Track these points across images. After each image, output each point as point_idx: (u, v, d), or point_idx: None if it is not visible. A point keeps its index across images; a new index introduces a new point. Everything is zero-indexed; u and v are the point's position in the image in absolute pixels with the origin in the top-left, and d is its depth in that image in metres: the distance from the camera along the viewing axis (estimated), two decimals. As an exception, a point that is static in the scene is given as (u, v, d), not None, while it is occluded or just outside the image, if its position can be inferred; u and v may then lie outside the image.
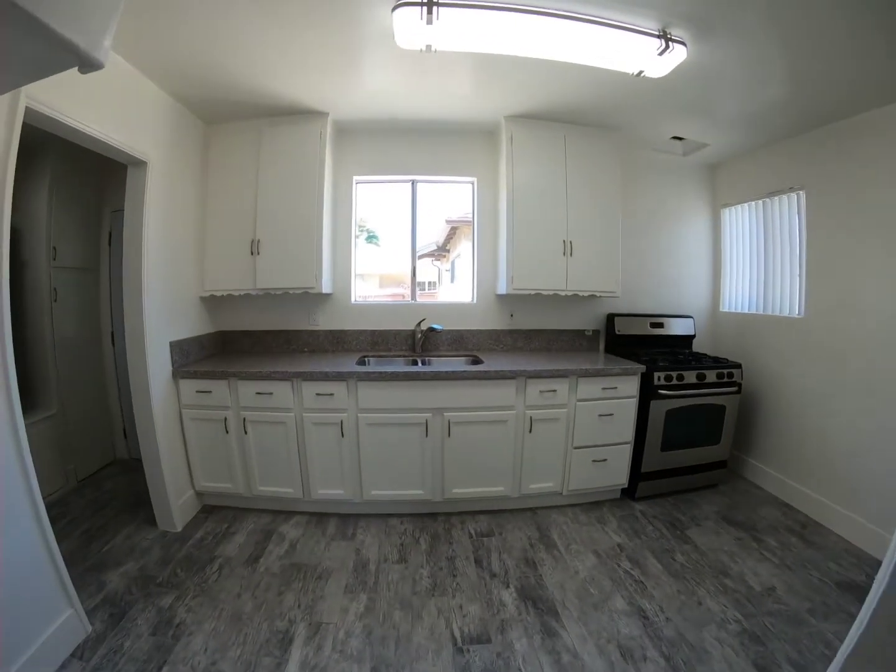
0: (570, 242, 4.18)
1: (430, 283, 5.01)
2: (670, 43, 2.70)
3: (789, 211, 4.26)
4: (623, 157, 4.48)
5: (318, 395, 3.55)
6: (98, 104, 2.78)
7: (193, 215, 3.93)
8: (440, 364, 4.26)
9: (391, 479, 3.69)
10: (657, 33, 2.69)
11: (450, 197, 4.80)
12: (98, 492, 4.21)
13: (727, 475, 4.59)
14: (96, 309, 4.76)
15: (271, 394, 3.57)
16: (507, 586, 3.02)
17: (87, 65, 1.14)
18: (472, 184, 4.67)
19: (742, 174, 4.80)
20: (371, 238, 4.87)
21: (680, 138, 4.54)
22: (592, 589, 3.01)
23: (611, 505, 4.09)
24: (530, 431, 3.73)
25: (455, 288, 4.99)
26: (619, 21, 2.62)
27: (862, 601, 2.79)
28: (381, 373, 3.54)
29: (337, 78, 3.41)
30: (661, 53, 2.76)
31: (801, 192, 4.11)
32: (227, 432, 3.63)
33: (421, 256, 4.81)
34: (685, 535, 3.63)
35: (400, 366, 4.21)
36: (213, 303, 4.26)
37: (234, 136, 4.03)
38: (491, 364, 3.88)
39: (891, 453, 3.34)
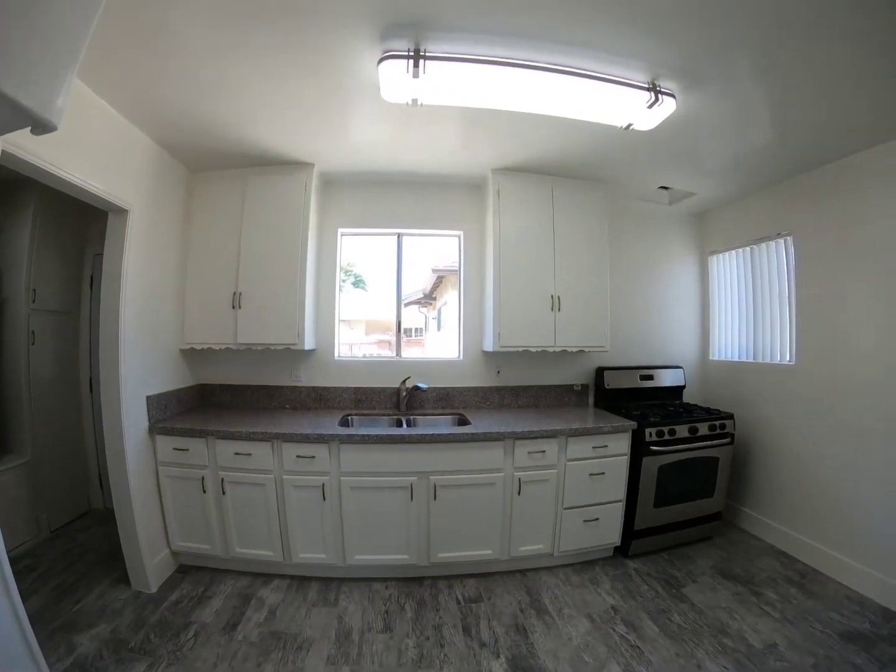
0: (558, 297, 4.12)
1: (416, 329, 4.93)
2: (660, 95, 2.68)
3: (777, 257, 4.25)
4: (610, 208, 4.47)
5: (298, 457, 3.42)
6: (80, 149, 2.71)
7: (175, 265, 3.83)
8: (426, 423, 4.14)
9: (375, 544, 3.54)
10: (647, 86, 2.67)
11: (436, 247, 4.74)
12: (71, 544, 4.04)
13: (722, 526, 4.50)
14: (75, 354, 4.62)
15: (250, 454, 3.44)
16: (498, 656, 2.87)
17: (40, 126, 1.14)
18: (459, 237, 4.62)
19: (729, 221, 4.81)
20: (358, 283, 4.80)
21: (666, 188, 4.53)
22: (587, 657, 2.88)
23: (604, 564, 3.97)
24: (519, 493, 3.61)
25: (441, 336, 4.91)
26: (608, 74, 2.60)
27: (866, 650, 2.77)
28: (364, 436, 3.42)
29: (323, 129, 3.37)
30: (650, 106, 2.74)
31: (788, 238, 4.11)
32: (205, 492, 3.48)
33: (407, 304, 4.74)
34: (681, 594, 3.52)
35: (384, 426, 4.10)
36: (192, 355, 4.12)
37: (219, 185, 3.95)
38: (478, 424, 3.78)
39: (887, 497, 3.35)
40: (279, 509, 3.48)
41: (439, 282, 5.08)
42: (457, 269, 4.68)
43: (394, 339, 4.62)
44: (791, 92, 2.78)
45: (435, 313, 5.07)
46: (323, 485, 3.43)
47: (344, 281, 4.63)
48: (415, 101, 2.71)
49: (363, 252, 4.70)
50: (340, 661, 2.80)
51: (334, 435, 3.40)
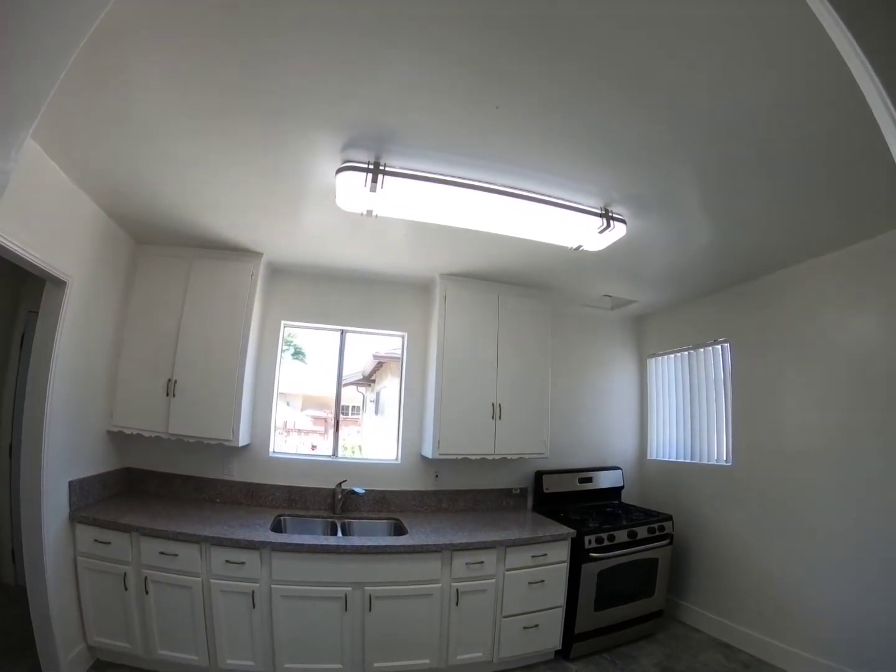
0: (499, 405, 4.14)
1: (353, 407, 4.88)
2: (611, 221, 2.78)
3: (714, 360, 4.40)
4: (554, 312, 4.56)
5: (228, 562, 3.25)
6: (23, 213, 2.54)
7: (111, 341, 3.67)
8: (361, 528, 4.02)
9: (307, 653, 3.37)
10: (600, 212, 2.77)
11: (378, 339, 4.71)
12: None
13: (664, 622, 4.48)
14: None
15: (177, 555, 3.25)
16: None
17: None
18: (403, 338, 4.62)
19: (668, 326, 5.00)
20: (297, 354, 4.67)
21: (609, 295, 4.65)
22: None
23: (545, 668, 3.88)
24: (457, 604, 3.52)
25: (379, 420, 4.87)
26: (564, 199, 2.68)
27: None
28: (297, 545, 3.29)
29: (275, 224, 3.36)
30: (601, 231, 2.83)
31: (725, 344, 4.26)
32: (126, 589, 3.25)
33: (346, 384, 4.66)
34: None
35: (318, 531, 3.96)
36: (120, 438, 3.89)
37: (164, 261, 3.84)
38: (415, 531, 3.70)
39: (826, 588, 3.45)
40: (206, 614, 3.27)
41: (379, 366, 5.08)
42: (397, 356, 4.67)
43: (330, 416, 4.55)
44: (728, 219, 3.01)
45: (373, 395, 5.00)
46: (253, 592, 3.26)
47: (284, 351, 4.52)
48: (369, 212, 2.72)
49: (305, 333, 4.65)
50: None
51: (266, 542, 3.26)
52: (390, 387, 4.78)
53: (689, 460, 4.74)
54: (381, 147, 2.37)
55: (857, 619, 3.25)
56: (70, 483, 3.27)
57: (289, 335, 4.57)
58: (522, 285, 4.27)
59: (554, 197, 2.67)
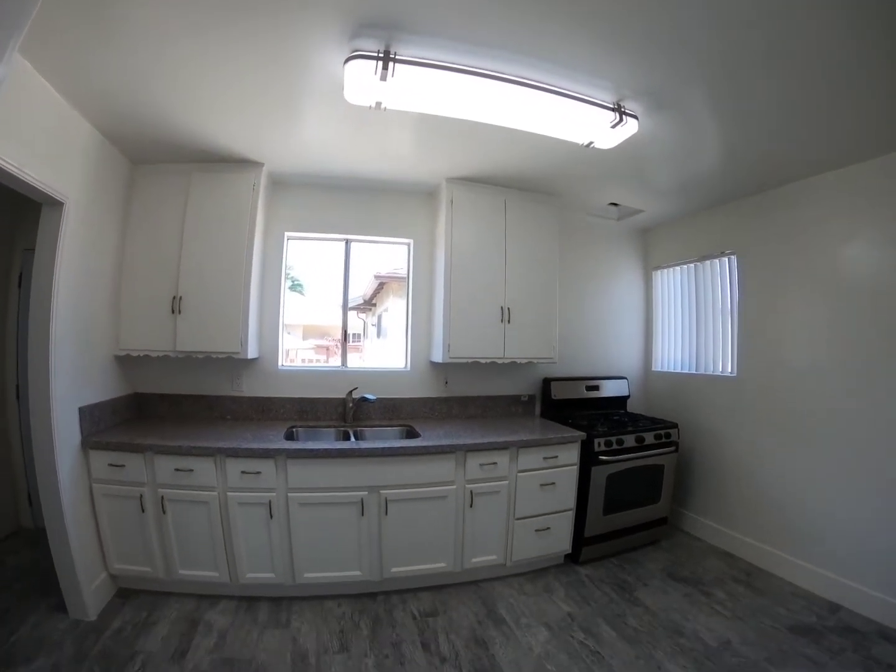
0: (508, 309, 4.13)
1: (355, 334, 4.85)
2: (624, 116, 2.71)
3: (721, 273, 4.38)
4: (561, 220, 4.50)
5: (243, 472, 3.28)
6: (17, 133, 2.48)
7: (112, 264, 3.59)
8: (373, 436, 4.04)
9: (326, 561, 3.44)
10: (612, 106, 2.70)
11: (382, 254, 4.68)
12: (1, 567, 3.72)
13: (668, 530, 4.59)
14: (0, 358, 4.29)
15: (192, 471, 3.27)
16: (460, 671, 2.82)
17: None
18: (409, 245, 4.57)
19: (674, 238, 4.96)
20: (295, 287, 4.65)
21: (616, 204, 4.61)
22: (549, 665, 2.86)
23: (556, 572, 3.98)
24: (471, 506, 3.58)
25: (382, 344, 4.87)
26: (576, 92, 2.61)
27: (816, 642, 2.87)
28: (312, 450, 3.32)
29: (276, 127, 3.24)
30: (613, 126, 2.78)
31: (732, 256, 4.25)
32: (144, 511, 3.28)
33: (351, 309, 4.64)
34: (634, 597, 3.56)
35: (331, 439, 3.98)
36: (128, 362, 3.86)
37: (162, 179, 3.72)
38: (427, 435, 3.74)
39: (825, 498, 3.55)
40: (224, 528, 3.32)
41: (380, 288, 5.03)
42: (400, 276, 4.64)
43: (332, 344, 4.57)
44: (739, 122, 2.93)
45: (375, 319, 4.99)
46: (270, 502, 3.30)
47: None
48: (379, 104, 2.63)
49: (305, 256, 4.59)
50: None
51: (281, 449, 3.29)
52: (392, 309, 4.78)
53: (694, 371, 4.78)
54: (392, 35, 2.28)
55: (858, 532, 3.34)
56: (80, 409, 3.22)
57: (287, 267, 4.50)
58: (530, 191, 4.21)
59: (567, 89, 2.61)
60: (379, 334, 4.98)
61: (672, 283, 5.04)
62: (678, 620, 3.26)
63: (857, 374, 3.38)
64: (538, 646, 3.05)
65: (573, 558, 4.09)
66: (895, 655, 2.83)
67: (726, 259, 4.37)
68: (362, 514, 3.41)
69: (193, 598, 3.42)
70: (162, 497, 3.26)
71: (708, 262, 4.56)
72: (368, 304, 4.99)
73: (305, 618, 3.29)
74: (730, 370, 4.36)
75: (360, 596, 3.56)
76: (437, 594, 3.63)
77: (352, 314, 4.71)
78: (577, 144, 3.07)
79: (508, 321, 4.13)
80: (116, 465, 3.24)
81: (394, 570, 3.53)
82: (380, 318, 5.02)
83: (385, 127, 3.18)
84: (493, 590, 3.71)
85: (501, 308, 4.11)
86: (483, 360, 4.13)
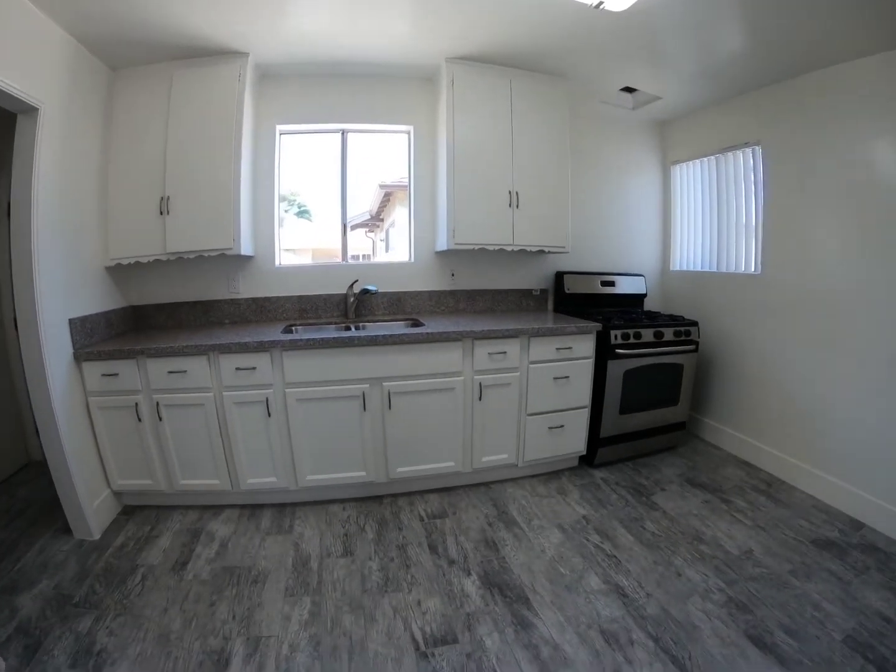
0: (517, 193, 3.84)
1: (364, 256, 4.66)
2: None
3: (745, 166, 4.09)
4: (571, 109, 4.15)
5: (238, 369, 3.11)
6: None
7: (96, 173, 3.35)
8: (376, 329, 3.79)
9: (328, 462, 3.31)
10: None
11: (383, 155, 4.35)
12: (11, 499, 3.60)
13: (685, 436, 4.47)
14: None
15: (185, 372, 3.10)
16: (469, 574, 2.70)
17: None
18: (409, 133, 4.23)
19: (694, 130, 4.62)
20: (303, 213, 4.42)
21: (630, 91, 4.26)
22: (563, 568, 2.74)
23: (570, 474, 3.86)
24: (480, 399, 3.41)
25: (390, 256, 4.63)
26: None
27: (840, 558, 2.68)
28: (308, 340, 3.12)
29: (259, 10, 2.93)
30: None
31: (756, 147, 3.95)
32: (140, 420, 3.13)
33: (354, 227, 4.41)
34: (652, 502, 3.45)
35: (331, 334, 3.75)
36: (120, 273, 3.67)
37: (143, 82, 3.45)
38: (433, 327, 3.51)
39: (850, 406, 3.33)
40: (222, 431, 3.18)
41: (387, 200, 4.78)
42: (404, 183, 4.34)
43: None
44: None
45: (383, 235, 4.77)
46: (267, 399, 3.14)
47: (287, 211, 4.28)
48: None
49: (306, 166, 4.28)
50: (300, 591, 2.57)
51: (276, 341, 3.10)
52: (399, 222, 4.52)
53: (715, 270, 4.53)
54: None
55: (889, 447, 3.12)
56: (71, 321, 3.03)
57: (291, 193, 4.27)
58: (536, 71, 3.86)
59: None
60: (388, 250, 4.74)
61: (692, 177, 4.72)
62: (698, 527, 3.14)
63: (884, 283, 3.13)
64: (551, 548, 2.92)
65: (587, 461, 3.95)
66: None
67: (750, 151, 4.05)
68: (364, 409, 3.24)
69: (197, 510, 3.34)
70: (157, 403, 3.11)
71: (731, 155, 4.23)
72: (376, 220, 4.75)
73: (309, 523, 3.19)
74: (753, 268, 4.10)
75: (366, 499, 3.46)
76: (446, 496, 3.52)
77: (360, 233, 4.54)
78: (586, 6, 2.72)
79: (517, 206, 3.84)
80: (110, 375, 3.07)
81: (400, 470, 3.40)
82: (388, 233, 4.77)
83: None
84: (505, 491, 3.59)
85: (509, 192, 3.82)
86: (491, 247, 3.87)
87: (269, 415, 3.16)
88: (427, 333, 3.26)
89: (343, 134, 4.15)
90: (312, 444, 3.26)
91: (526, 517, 3.25)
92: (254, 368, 3.10)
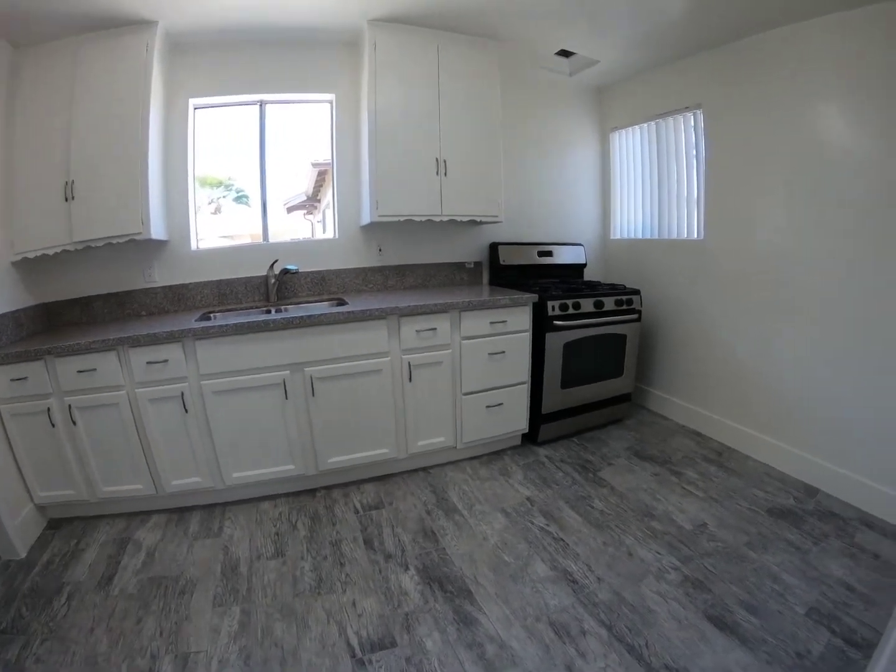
0: (444, 161, 3.64)
1: (304, 239, 4.37)
2: None
3: (685, 131, 4.00)
4: (506, 74, 3.97)
5: (149, 363, 2.87)
6: None
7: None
8: (297, 311, 3.52)
9: (254, 457, 3.10)
10: None
11: (313, 132, 4.08)
12: None
13: (631, 408, 4.39)
14: None
15: (95, 370, 2.84)
16: (407, 568, 2.54)
17: None
18: (331, 102, 3.95)
19: (633, 95, 4.49)
20: (241, 198, 4.15)
21: (567, 56, 4.11)
22: (507, 556, 2.60)
23: (512, 453, 3.73)
24: (410, 380, 3.23)
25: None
26: None
27: (797, 526, 2.54)
28: (221, 327, 2.89)
29: None
30: None
31: (698, 112, 3.86)
32: (54, 425, 2.86)
33: (291, 209, 4.21)
34: (599, 478, 3.35)
35: (250, 317, 3.51)
36: (28, 268, 3.33)
37: (47, 60, 3.14)
38: (357, 305, 3.29)
39: (797, 372, 3.32)
40: (139, 431, 2.94)
41: (322, 180, 4.52)
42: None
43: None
44: None
45: (321, 216, 4.54)
46: (182, 393, 2.91)
47: (225, 196, 4.03)
48: None
49: (236, 154, 3.99)
50: (229, 600, 2.38)
51: (187, 330, 2.86)
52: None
53: (656, 237, 4.45)
54: None
55: (839, 413, 3.09)
56: None
57: (228, 178, 4.02)
58: (466, 33, 3.65)
59: None
60: (325, 231, 4.50)
61: (631, 144, 4.62)
62: (648, 501, 3.06)
63: (828, 245, 3.10)
64: (494, 535, 2.79)
65: (531, 438, 3.83)
66: (880, 544, 2.66)
67: (691, 115, 3.96)
68: (286, 398, 3.03)
69: (123, 518, 3.10)
70: (69, 406, 2.85)
71: (671, 119, 4.13)
72: (313, 202, 4.50)
73: (239, 523, 2.99)
74: (696, 234, 4.03)
75: (299, 494, 3.27)
76: (382, 485, 3.35)
77: (298, 216, 4.32)
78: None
79: (445, 174, 3.65)
80: (18, 379, 2.79)
81: (331, 460, 3.21)
82: (324, 214, 4.53)
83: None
84: (444, 476, 3.44)
85: (437, 160, 3.63)
86: (418, 218, 3.66)
87: (186, 410, 2.93)
88: (348, 312, 3.04)
89: (261, 105, 3.85)
90: (235, 438, 3.04)
91: (467, 502, 3.11)
92: (166, 361, 2.87)
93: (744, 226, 3.57)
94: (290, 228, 4.17)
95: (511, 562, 2.56)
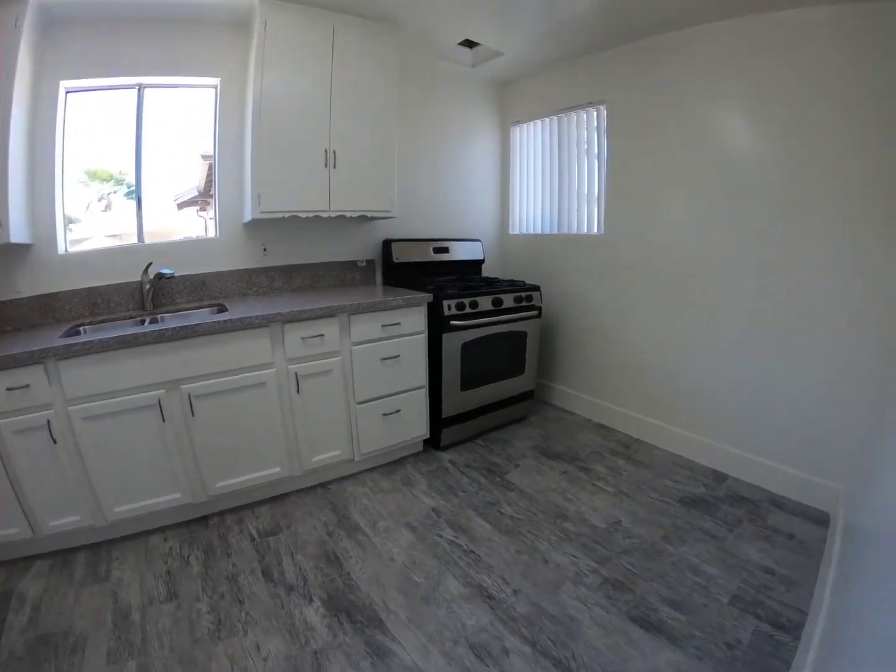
0: (334, 152, 3.44)
1: (183, 239, 4.08)
2: None
3: (588, 126, 4.02)
4: (404, 63, 3.82)
5: (9, 390, 2.54)
6: None
7: None
8: (177, 320, 3.24)
9: (136, 488, 2.81)
10: None
11: (197, 118, 3.75)
12: None
13: (535, 405, 4.37)
14: None
15: (-54, 402, 2.50)
16: (311, 600, 2.35)
17: None
18: (216, 87, 3.65)
19: (536, 90, 4.48)
20: (132, 193, 3.80)
21: (471, 46, 4.04)
22: (417, 576, 2.47)
23: (415, 460, 3.61)
24: (298, 392, 3.04)
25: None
26: None
27: (710, 514, 2.51)
28: (84, 344, 2.60)
29: None
30: None
31: (601, 107, 3.89)
32: None
33: (182, 205, 3.88)
34: (507, 481, 3.29)
35: (124, 329, 3.09)
36: None
37: None
38: (238, 311, 3.07)
39: (697, 362, 3.44)
40: (6, 468, 2.59)
41: (212, 173, 4.25)
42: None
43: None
44: None
45: (213, 213, 4.27)
46: (49, 422, 2.60)
47: (115, 192, 3.63)
48: None
49: (122, 146, 3.58)
50: (124, 654, 2.11)
51: (48, 349, 2.55)
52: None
53: (556, 232, 4.46)
54: None
55: (740, 399, 3.24)
56: None
57: (119, 172, 3.61)
58: (364, 16, 3.45)
59: None
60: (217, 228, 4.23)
61: (532, 138, 4.60)
62: (559, 502, 3.02)
63: (724, 241, 3.24)
64: (401, 553, 2.65)
65: (433, 443, 3.72)
66: (791, 524, 2.76)
67: (594, 111, 3.98)
68: (164, 420, 2.78)
69: (4, 567, 2.74)
70: None
71: (574, 114, 4.13)
72: (205, 197, 4.20)
73: (128, 563, 2.70)
74: (596, 229, 4.06)
75: (190, 523, 3.00)
76: (278, 506, 3.15)
77: (191, 212, 3.98)
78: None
79: (334, 166, 3.45)
80: None
81: (219, 485, 2.97)
82: (217, 210, 4.26)
83: None
84: (344, 491, 3.27)
85: (326, 151, 3.42)
86: (304, 215, 3.44)
87: (55, 441, 2.63)
88: (226, 321, 2.82)
89: (139, 90, 3.48)
90: (113, 468, 2.75)
91: (370, 519, 2.96)
92: (27, 386, 2.55)
93: (644, 221, 3.63)
94: (182, 226, 3.84)
95: (421, 582, 2.43)
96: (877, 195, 2.57)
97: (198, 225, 3.94)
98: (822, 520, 2.80)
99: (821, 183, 2.76)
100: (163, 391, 2.74)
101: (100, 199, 3.61)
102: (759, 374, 3.11)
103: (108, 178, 3.59)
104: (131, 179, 3.64)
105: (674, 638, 2.01)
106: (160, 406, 2.75)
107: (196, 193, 3.95)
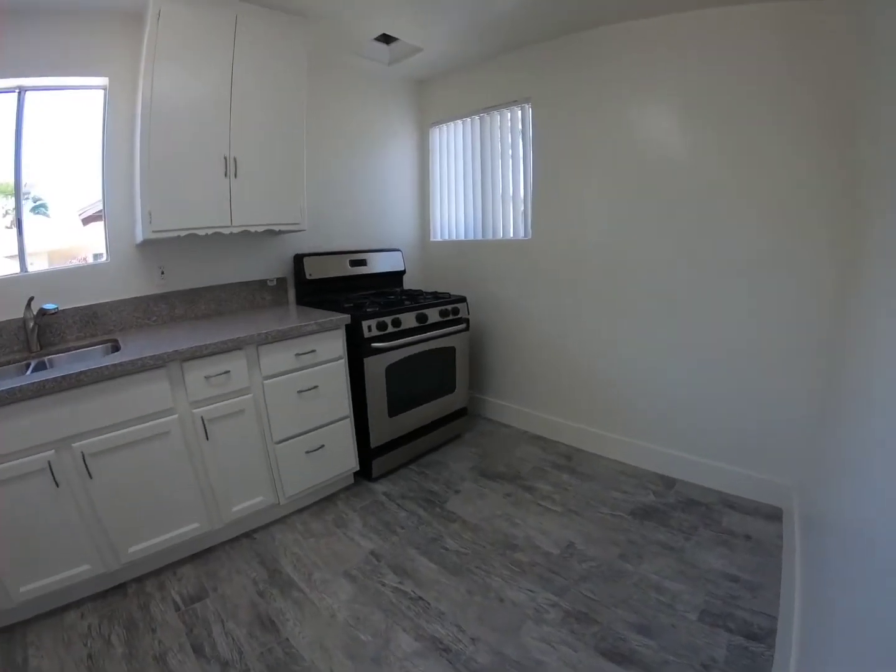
0: (235, 159, 3.12)
1: (68, 266, 3.71)
2: None
3: (512, 127, 3.93)
4: (314, 60, 3.58)
5: None
6: None
7: None
8: (69, 362, 2.94)
9: (40, 562, 2.46)
10: None
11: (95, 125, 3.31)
12: None
13: (469, 421, 4.21)
14: None
15: None
16: None
17: None
18: (105, 88, 3.23)
19: (457, 88, 4.34)
20: (39, 207, 3.39)
21: (388, 42, 3.83)
22: (363, 634, 2.23)
23: (346, 496, 3.38)
24: (207, 438, 2.74)
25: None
26: None
27: (664, 524, 2.61)
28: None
29: None
30: None
31: (526, 105, 3.80)
32: None
33: (88, 220, 3.43)
34: (447, 511, 3.11)
35: (10, 378, 2.65)
36: None
37: None
38: (132, 348, 2.74)
39: (631, 366, 3.44)
40: None
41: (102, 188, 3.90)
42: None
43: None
44: None
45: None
46: (-79, 499, 2.24)
47: (22, 205, 3.16)
48: None
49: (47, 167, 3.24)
50: None
51: None
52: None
53: (480, 238, 4.35)
54: None
55: (682, 401, 3.26)
56: None
57: (26, 185, 3.14)
58: (270, 7, 3.14)
59: None
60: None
61: (453, 139, 4.46)
62: (506, 530, 2.87)
63: (650, 243, 3.26)
64: (342, 608, 2.40)
65: (365, 474, 3.50)
66: (746, 524, 2.76)
67: (519, 109, 3.89)
68: (57, 485, 2.44)
69: None
70: None
71: (497, 114, 4.02)
72: None
73: (45, 648, 2.33)
74: (523, 233, 3.99)
75: (106, 594, 2.65)
76: (202, 564, 2.83)
77: (96, 227, 3.44)
78: None
79: (235, 175, 3.14)
80: None
81: (132, 550, 2.64)
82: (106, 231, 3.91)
83: None
84: (272, 540, 3.00)
85: (225, 158, 3.10)
86: (203, 232, 3.10)
87: None
88: (115, 365, 2.48)
89: (20, 93, 3.07)
90: (10, 545, 2.39)
91: (304, 572, 2.69)
92: None
93: (572, 224, 3.60)
94: (90, 243, 3.43)
95: (369, 640, 2.20)
96: (813, 193, 2.62)
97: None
98: (775, 515, 2.78)
99: (756, 181, 2.80)
100: (52, 452, 2.41)
101: (4, 215, 3.19)
102: (695, 374, 3.12)
103: (11, 192, 3.20)
104: (38, 192, 3.28)
105: (648, 667, 1.90)
106: (51, 469, 2.41)
107: (102, 207, 3.59)
